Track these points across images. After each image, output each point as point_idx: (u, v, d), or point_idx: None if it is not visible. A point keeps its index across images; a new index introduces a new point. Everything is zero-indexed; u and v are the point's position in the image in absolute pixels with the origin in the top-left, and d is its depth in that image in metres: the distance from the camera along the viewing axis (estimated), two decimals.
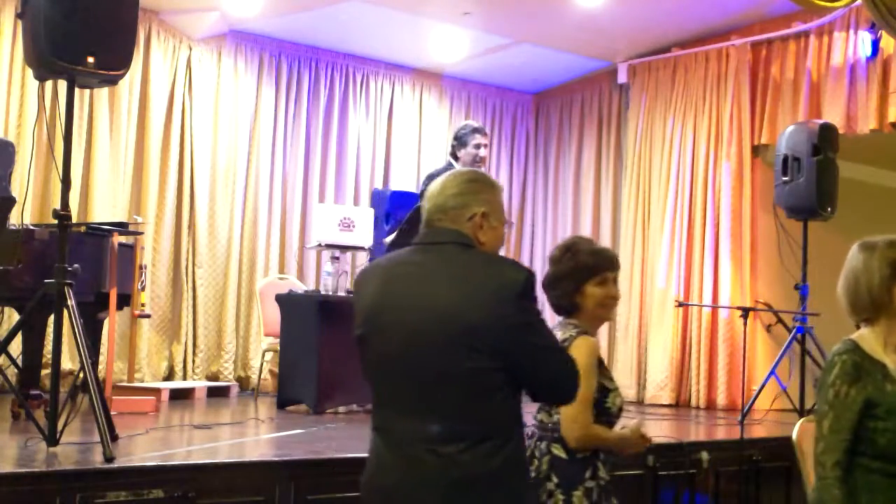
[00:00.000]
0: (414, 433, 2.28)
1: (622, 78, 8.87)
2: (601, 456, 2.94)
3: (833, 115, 7.16)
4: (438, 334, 2.26)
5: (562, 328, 2.97)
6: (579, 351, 2.79)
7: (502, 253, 2.56)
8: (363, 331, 2.39)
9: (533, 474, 2.84)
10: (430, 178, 6.01)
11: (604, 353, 8.71)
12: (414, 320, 2.29)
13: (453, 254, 2.34)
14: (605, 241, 8.98)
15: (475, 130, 6.10)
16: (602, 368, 2.96)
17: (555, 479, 2.86)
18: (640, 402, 8.13)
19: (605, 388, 2.94)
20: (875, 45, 7.05)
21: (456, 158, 6.06)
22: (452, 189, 2.38)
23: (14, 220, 5.42)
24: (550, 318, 2.81)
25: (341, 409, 6.35)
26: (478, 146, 6.03)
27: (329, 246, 6.63)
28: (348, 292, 6.60)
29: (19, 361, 4.95)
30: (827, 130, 6.61)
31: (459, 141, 6.07)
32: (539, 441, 2.94)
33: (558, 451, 2.88)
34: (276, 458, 4.13)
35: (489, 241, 2.40)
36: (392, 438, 2.33)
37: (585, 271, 2.97)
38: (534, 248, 9.62)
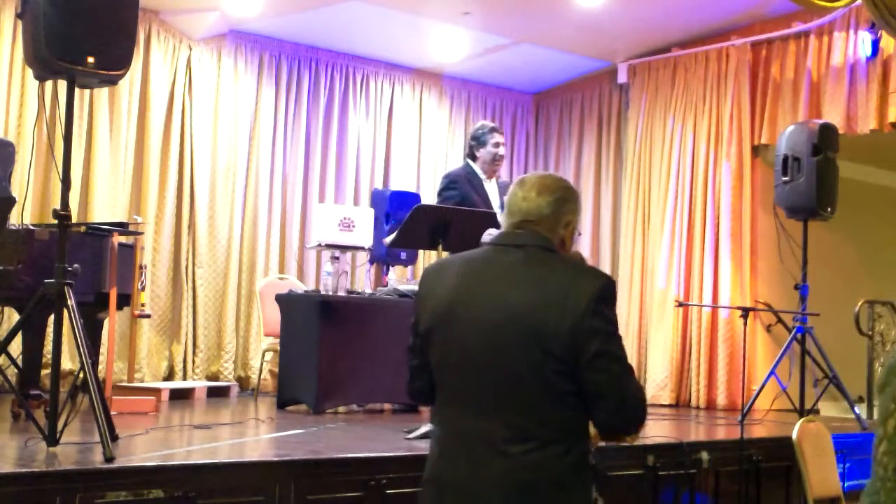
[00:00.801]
0: (481, 431, 2.29)
1: (622, 78, 8.87)
2: None
3: (833, 115, 7.17)
4: (512, 334, 2.26)
5: None
6: None
7: None
8: (432, 325, 2.40)
9: None
10: (449, 178, 6.01)
11: None
12: (489, 319, 2.29)
13: (535, 256, 2.35)
14: (605, 241, 9.00)
15: (493, 130, 6.01)
16: None
17: None
18: None
19: None
20: (875, 45, 7.06)
21: (474, 159, 5.95)
22: (549, 195, 2.40)
23: (14, 220, 5.41)
24: None
25: (341, 409, 6.35)
26: (497, 145, 5.93)
27: (329, 246, 6.63)
28: (348, 292, 6.60)
29: (19, 361, 4.95)
30: (827, 130, 6.60)
31: (478, 141, 5.96)
32: None
33: None
34: (276, 458, 4.13)
35: (570, 247, 2.47)
36: (458, 435, 2.34)
37: None
38: None
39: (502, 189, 5.91)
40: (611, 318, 2.32)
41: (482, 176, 5.92)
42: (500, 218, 2.52)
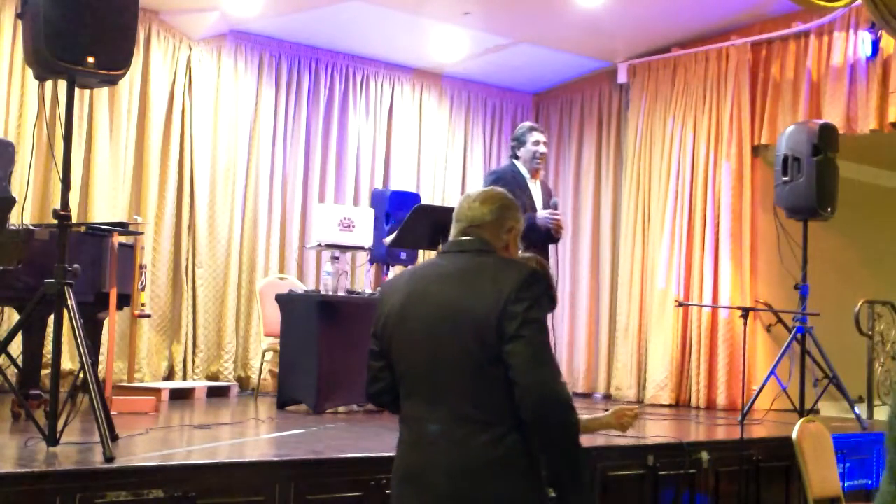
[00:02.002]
0: (432, 420, 2.46)
1: (622, 78, 8.87)
2: None
3: (833, 115, 7.17)
4: (451, 327, 2.45)
5: None
6: None
7: None
8: (387, 328, 2.60)
9: None
10: (494, 175, 6.01)
11: (604, 354, 8.78)
12: (432, 316, 2.49)
13: (475, 258, 2.56)
14: (605, 241, 9.00)
15: (532, 129, 5.97)
16: None
17: None
18: (640, 402, 8.13)
19: None
20: (875, 45, 7.06)
21: (517, 158, 5.94)
22: (492, 204, 2.64)
23: (14, 220, 5.42)
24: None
25: (341, 409, 6.36)
26: (536, 143, 5.88)
27: (329, 246, 6.63)
28: (348, 292, 6.60)
29: (19, 361, 4.95)
30: (827, 130, 6.60)
31: (518, 140, 5.93)
32: None
33: None
34: (276, 458, 4.13)
35: (514, 254, 2.67)
36: (414, 426, 2.52)
37: None
38: None
39: (545, 190, 5.92)
40: (531, 304, 2.41)
41: (527, 175, 5.89)
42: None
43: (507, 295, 2.39)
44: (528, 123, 6.14)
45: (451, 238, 2.66)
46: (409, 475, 2.51)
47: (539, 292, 2.44)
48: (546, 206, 5.81)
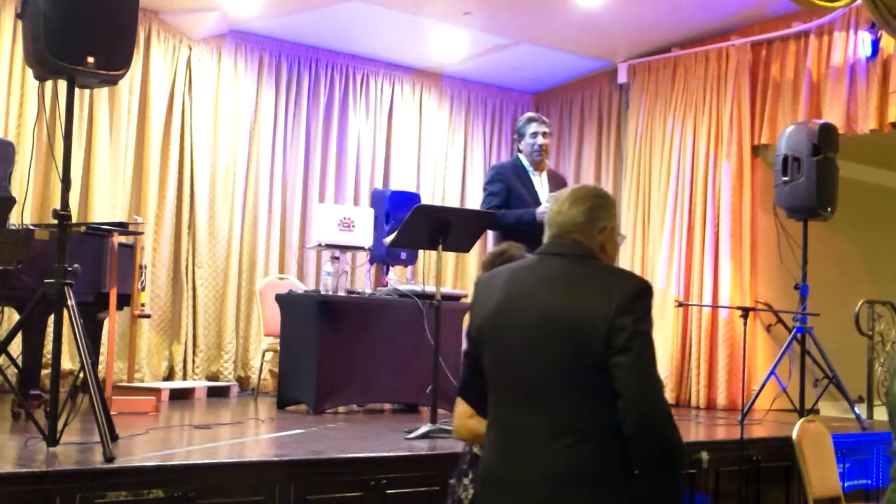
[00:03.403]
0: (527, 426, 2.41)
1: (622, 78, 8.87)
2: None
3: (833, 115, 7.16)
4: (550, 334, 2.40)
5: None
6: None
7: None
8: (482, 330, 2.56)
9: (456, 471, 3.08)
10: (495, 170, 5.92)
11: None
12: (530, 321, 2.43)
13: (573, 262, 2.50)
14: None
15: (530, 120, 5.83)
16: None
17: (471, 475, 3.01)
18: None
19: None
20: (875, 45, 7.05)
21: (520, 151, 5.84)
22: (581, 205, 2.55)
23: (14, 220, 5.41)
24: None
25: (341, 409, 6.35)
26: (535, 135, 5.74)
27: (329, 246, 6.63)
28: (348, 292, 6.60)
29: (19, 361, 4.95)
30: (827, 130, 6.60)
31: (518, 133, 5.82)
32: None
33: (477, 448, 2.95)
34: (276, 458, 4.13)
35: (613, 252, 2.60)
36: (507, 431, 2.47)
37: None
38: None
39: (552, 180, 5.78)
40: (640, 317, 2.37)
41: (530, 169, 5.80)
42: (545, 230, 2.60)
43: (617, 305, 2.34)
44: (527, 115, 6.03)
45: (546, 239, 2.58)
46: (497, 480, 2.47)
47: (648, 305, 2.41)
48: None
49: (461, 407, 2.85)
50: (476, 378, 2.61)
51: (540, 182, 5.79)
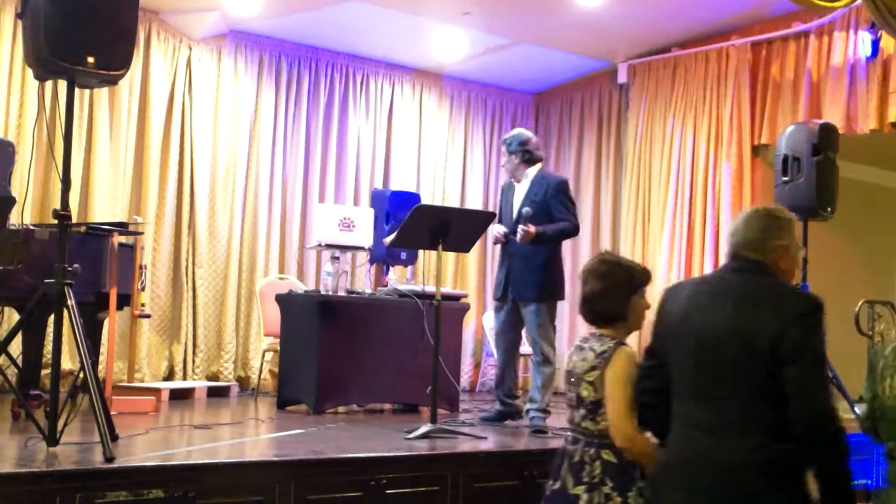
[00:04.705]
0: (700, 421, 2.70)
1: (622, 78, 8.87)
2: None
3: (833, 115, 7.16)
4: (726, 340, 2.68)
5: (597, 340, 3.12)
6: (623, 361, 3.04)
7: None
8: (667, 333, 2.87)
9: (586, 479, 3.03)
10: (501, 189, 6.28)
11: None
12: (709, 327, 2.73)
13: (749, 277, 2.77)
14: (605, 241, 8.99)
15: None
16: None
17: (609, 484, 3.00)
18: None
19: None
20: (875, 45, 7.05)
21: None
22: (752, 224, 2.83)
23: (14, 220, 5.42)
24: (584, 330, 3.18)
25: (341, 409, 6.36)
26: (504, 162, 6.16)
27: (329, 246, 6.63)
28: (348, 292, 6.60)
29: (19, 361, 4.95)
30: (827, 130, 6.60)
31: None
32: (587, 447, 3.07)
33: (608, 456, 3.02)
34: (276, 458, 4.13)
35: (789, 268, 2.85)
36: (684, 425, 2.76)
37: (636, 283, 3.19)
38: None
39: (534, 182, 5.91)
40: (809, 332, 2.65)
41: (514, 182, 6.06)
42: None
43: (789, 319, 2.61)
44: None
45: (727, 256, 2.88)
46: (673, 468, 2.75)
47: (818, 320, 2.68)
48: (527, 205, 5.84)
49: (628, 421, 3.00)
50: (655, 375, 2.88)
51: (520, 189, 5.96)
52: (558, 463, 3.14)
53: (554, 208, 5.77)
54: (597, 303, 3.16)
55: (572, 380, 3.12)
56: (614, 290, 3.15)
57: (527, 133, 6.09)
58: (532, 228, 5.63)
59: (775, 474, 2.58)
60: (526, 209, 5.75)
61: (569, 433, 3.16)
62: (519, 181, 5.97)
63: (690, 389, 2.77)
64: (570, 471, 3.07)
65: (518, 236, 5.66)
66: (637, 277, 3.19)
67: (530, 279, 5.74)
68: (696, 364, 2.74)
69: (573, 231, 5.86)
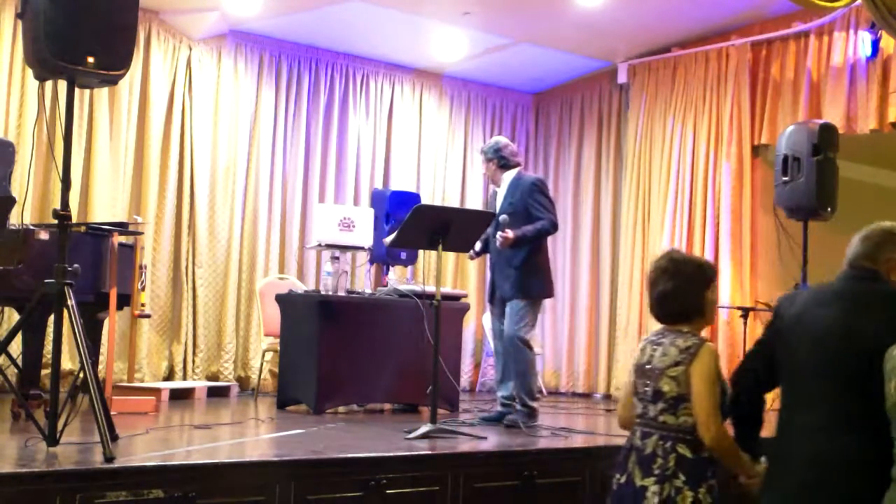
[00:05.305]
0: (810, 418, 2.86)
1: (622, 78, 8.87)
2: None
3: (833, 115, 7.16)
4: (836, 340, 2.86)
5: (679, 336, 3.14)
6: (709, 358, 3.08)
7: None
8: (781, 334, 3.03)
9: (657, 472, 3.07)
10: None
11: (604, 354, 8.77)
12: (819, 331, 2.91)
13: (860, 284, 2.97)
14: (605, 241, 9.00)
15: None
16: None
17: (682, 477, 3.04)
18: None
19: (724, 391, 3.14)
20: (875, 45, 7.06)
21: None
22: (869, 240, 3.03)
23: (14, 220, 5.41)
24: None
25: (341, 409, 6.36)
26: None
27: (329, 246, 6.63)
28: (348, 292, 6.60)
29: (19, 361, 4.95)
30: (827, 130, 6.60)
31: None
32: (661, 441, 3.10)
33: (683, 450, 3.05)
34: (276, 458, 4.13)
35: None
36: (790, 421, 2.94)
37: (707, 279, 3.23)
38: None
39: (510, 185, 6.00)
40: None
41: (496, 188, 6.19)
42: None
43: (893, 323, 2.77)
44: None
45: (844, 267, 3.07)
46: (784, 464, 2.91)
47: None
48: (503, 209, 5.94)
49: (717, 417, 3.05)
50: (756, 366, 3.10)
51: (500, 194, 6.08)
52: (624, 456, 3.19)
53: (532, 207, 5.85)
54: (670, 301, 3.18)
55: (648, 374, 3.14)
56: (687, 286, 3.17)
57: (502, 140, 6.23)
58: (510, 234, 5.71)
59: (883, 472, 2.66)
60: (503, 217, 5.85)
61: (638, 427, 3.17)
62: (499, 186, 6.08)
63: (803, 388, 2.91)
64: (638, 464, 3.11)
65: (497, 243, 5.77)
66: (707, 272, 3.23)
67: (510, 277, 5.83)
68: (809, 364, 2.90)
69: (552, 228, 5.90)
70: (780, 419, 3.01)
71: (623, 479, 3.14)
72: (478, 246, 5.97)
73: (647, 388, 3.14)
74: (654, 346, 3.16)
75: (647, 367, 3.15)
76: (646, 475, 3.06)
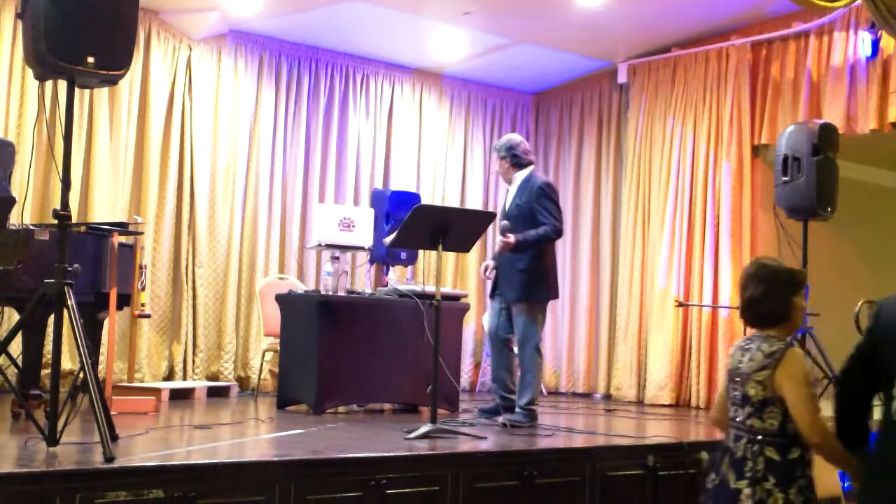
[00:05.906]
0: None
1: (622, 78, 8.87)
2: (807, 455, 3.20)
3: (833, 115, 7.16)
4: None
5: (764, 341, 3.22)
6: (796, 362, 3.17)
7: None
8: (883, 338, 3.01)
9: (749, 474, 3.15)
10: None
11: (604, 354, 8.78)
12: None
13: None
14: (605, 241, 9.00)
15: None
16: None
17: (772, 479, 3.11)
18: (640, 402, 8.13)
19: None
20: (875, 45, 7.05)
21: None
22: None
23: (14, 220, 5.41)
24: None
25: (341, 409, 6.36)
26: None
27: (329, 246, 6.63)
28: (348, 292, 6.60)
29: (19, 361, 4.95)
30: (827, 130, 6.60)
31: None
32: (750, 444, 3.18)
33: (771, 453, 3.14)
34: (276, 458, 4.13)
35: None
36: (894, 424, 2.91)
37: (797, 284, 3.30)
38: None
39: (521, 185, 6.03)
40: None
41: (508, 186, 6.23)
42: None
43: None
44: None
45: None
46: (890, 465, 2.88)
47: None
48: (511, 210, 5.99)
49: (821, 416, 3.20)
50: (857, 368, 3.11)
51: (510, 193, 6.12)
52: (719, 458, 3.27)
53: (537, 212, 5.87)
54: (759, 306, 3.27)
55: (737, 379, 3.23)
56: (776, 291, 3.25)
57: (516, 138, 6.23)
58: (511, 238, 5.73)
59: None
60: (504, 223, 5.88)
61: (731, 430, 3.24)
62: (510, 184, 6.10)
63: None
64: (731, 466, 3.20)
65: (497, 248, 5.81)
66: (796, 278, 3.29)
67: (513, 281, 5.85)
68: None
69: (554, 235, 5.90)
70: (882, 422, 3.01)
71: (717, 480, 3.24)
72: (491, 263, 6.02)
73: (736, 393, 3.23)
74: (743, 352, 3.25)
75: (737, 371, 3.24)
76: (739, 478, 3.16)
